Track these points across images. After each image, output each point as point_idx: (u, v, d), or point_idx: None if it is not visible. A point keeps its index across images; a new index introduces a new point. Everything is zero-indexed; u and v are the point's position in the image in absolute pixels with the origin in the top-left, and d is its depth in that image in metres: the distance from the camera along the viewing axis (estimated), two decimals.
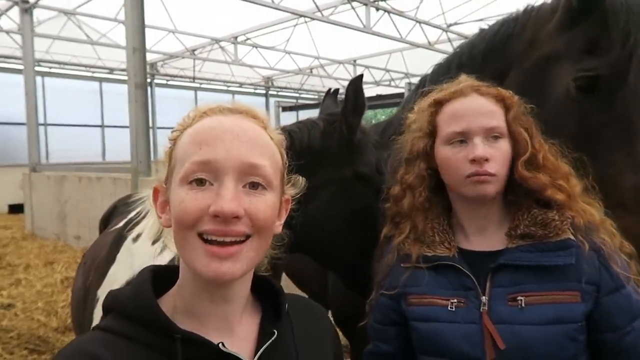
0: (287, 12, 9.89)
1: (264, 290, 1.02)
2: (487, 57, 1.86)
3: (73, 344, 0.86)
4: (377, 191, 1.56)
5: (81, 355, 0.80)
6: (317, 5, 9.86)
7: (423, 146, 1.37)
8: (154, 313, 0.85)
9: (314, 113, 2.47)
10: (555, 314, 1.18)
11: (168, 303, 0.91)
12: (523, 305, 1.20)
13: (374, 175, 1.73)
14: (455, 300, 1.26)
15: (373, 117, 18.29)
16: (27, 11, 9.86)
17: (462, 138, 1.29)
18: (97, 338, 0.85)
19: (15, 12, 10.40)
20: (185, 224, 0.82)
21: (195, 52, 15.70)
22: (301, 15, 10.86)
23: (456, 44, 13.87)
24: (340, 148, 1.71)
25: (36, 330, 4.58)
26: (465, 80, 1.39)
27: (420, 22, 12.00)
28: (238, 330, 0.93)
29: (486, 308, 1.23)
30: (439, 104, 1.37)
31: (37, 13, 10.64)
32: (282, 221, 0.97)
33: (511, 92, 1.37)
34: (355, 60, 17.50)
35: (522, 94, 1.38)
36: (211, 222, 0.81)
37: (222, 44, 14.81)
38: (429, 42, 13.02)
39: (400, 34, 12.05)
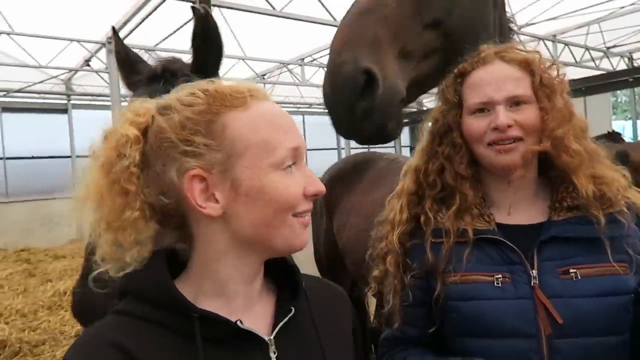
0: (293, 19, 9.84)
1: (278, 269, 1.03)
2: None
3: (90, 332, 0.87)
4: None
5: (102, 343, 0.81)
6: (329, 12, 9.75)
7: (452, 118, 1.34)
8: (171, 294, 0.86)
9: None
10: (610, 285, 1.14)
11: (189, 285, 0.92)
12: (577, 277, 1.16)
13: None
14: (500, 276, 1.21)
15: None
16: (112, 51, 10.73)
17: (485, 107, 1.25)
18: (115, 323, 0.86)
19: (102, 53, 11.36)
20: (290, 207, 0.90)
21: (265, 77, 16.23)
22: (311, 22, 10.78)
23: (529, 46, 13.28)
24: None
25: None
26: (488, 48, 1.34)
27: None
28: (256, 308, 0.95)
29: (537, 282, 1.18)
30: (462, 74, 1.34)
31: None
32: None
33: (540, 56, 1.30)
34: None
35: None
36: (305, 202, 0.93)
37: (290, 66, 15.18)
38: None
39: None
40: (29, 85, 12.77)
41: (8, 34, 10.35)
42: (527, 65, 1.28)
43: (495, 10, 1.82)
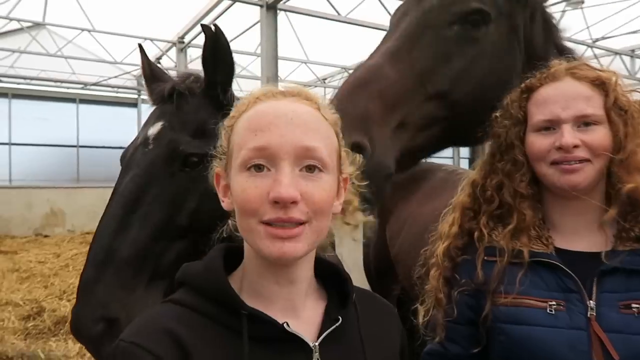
0: (358, 25, 9.75)
1: (330, 278, 1.01)
2: None
3: (145, 317, 0.91)
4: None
5: (156, 329, 0.85)
6: None
7: (516, 133, 1.28)
8: (224, 289, 0.88)
9: None
10: None
11: (236, 282, 0.93)
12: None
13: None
14: (554, 303, 1.14)
15: None
16: (182, 50, 11.21)
17: (550, 125, 1.18)
18: (170, 311, 0.90)
19: (173, 52, 11.89)
20: (248, 212, 0.85)
21: (326, 81, 16.36)
22: (375, 28, 10.67)
23: (603, 60, 12.57)
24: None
25: None
26: (558, 63, 1.27)
27: None
28: (302, 314, 0.94)
29: (594, 314, 1.11)
30: (529, 90, 1.28)
31: (190, 51, 12.03)
32: (341, 200, 0.95)
33: (615, 74, 1.22)
34: None
35: None
36: (271, 209, 0.83)
37: (351, 71, 15.23)
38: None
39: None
40: (104, 80, 13.58)
41: (89, 31, 11.06)
42: (600, 84, 1.21)
43: (521, 54, 1.70)
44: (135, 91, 15.28)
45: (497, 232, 1.28)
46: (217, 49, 1.66)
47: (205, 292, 0.90)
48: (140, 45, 2.02)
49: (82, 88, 14.40)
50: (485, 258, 1.27)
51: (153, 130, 1.71)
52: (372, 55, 1.61)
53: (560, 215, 1.26)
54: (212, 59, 1.67)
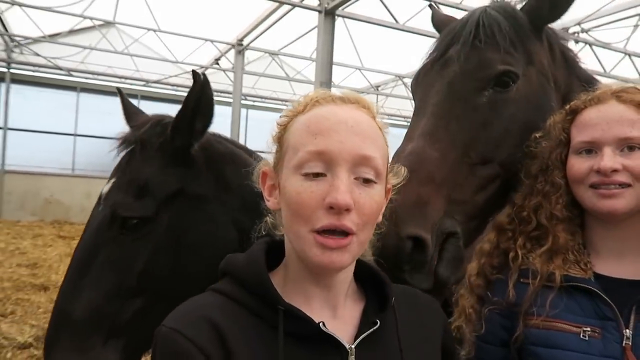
0: (415, 33, 9.53)
1: (370, 280, 1.01)
2: None
3: (187, 304, 0.92)
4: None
5: (197, 316, 0.87)
6: None
7: (557, 155, 1.26)
8: (263, 283, 0.89)
9: None
10: None
11: (279, 278, 0.94)
12: None
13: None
14: (589, 329, 1.10)
15: None
16: (240, 52, 11.50)
17: (592, 148, 1.15)
18: (210, 299, 0.92)
19: (231, 54, 12.22)
20: (301, 217, 0.85)
21: (379, 88, 16.31)
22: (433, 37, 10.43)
23: None
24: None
25: None
26: (606, 86, 1.24)
27: (630, 55, 10.60)
28: (341, 314, 0.94)
29: (630, 343, 1.07)
30: (574, 112, 1.26)
31: (248, 54, 12.33)
32: (383, 210, 0.95)
33: None
34: None
35: None
36: (325, 216, 0.83)
37: (405, 80, 15.11)
38: None
39: (603, 68, 10.80)
40: (165, 78, 14.14)
41: (155, 30, 11.56)
42: None
43: (554, 92, 1.65)
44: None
45: (533, 254, 1.26)
46: (201, 97, 1.61)
47: (246, 284, 0.92)
48: (118, 89, 1.99)
49: (144, 85, 15.05)
50: (521, 280, 1.25)
51: (106, 188, 1.67)
52: (409, 137, 1.56)
53: (601, 239, 1.23)
54: (195, 105, 1.61)
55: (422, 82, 1.72)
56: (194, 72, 1.62)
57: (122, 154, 1.72)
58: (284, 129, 0.97)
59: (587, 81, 1.75)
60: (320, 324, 0.88)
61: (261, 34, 10.52)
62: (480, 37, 1.59)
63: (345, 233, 0.84)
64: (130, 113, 1.89)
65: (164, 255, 1.59)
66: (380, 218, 0.94)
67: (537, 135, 1.37)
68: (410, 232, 1.34)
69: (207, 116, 1.66)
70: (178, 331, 0.84)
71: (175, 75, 14.09)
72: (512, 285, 1.24)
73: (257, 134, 18.12)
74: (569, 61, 1.79)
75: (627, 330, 1.10)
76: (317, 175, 0.85)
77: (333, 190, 0.83)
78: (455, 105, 1.55)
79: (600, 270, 1.20)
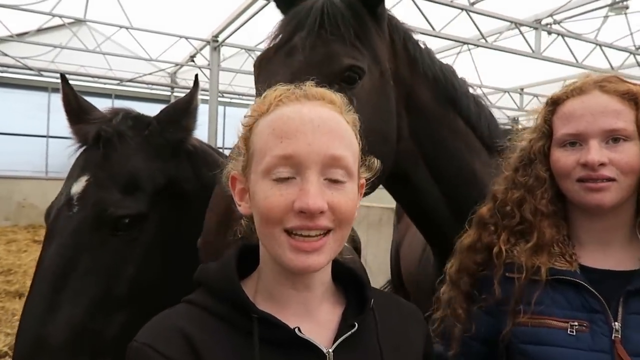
0: (451, 39, 9.75)
1: (349, 282, 0.99)
2: None
3: (160, 317, 0.90)
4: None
5: (170, 329, 0.85)
6: (481, 32, 9.54)
7: (539, 147, 1.23)
8: (235, 291, 0.87)
9: None
10: None
11: (252, 284, 0.92)
12: None
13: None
14: (577, 324, 1.09)
15: None
16: (216, 49, 11.34)
17: (576, 140, 1.13)
18: (184, 311, 0.90)
19: (206, 50, 12.05)
20: (271, 221, 0.83)
21: None
22: (464, 43, 10.62)
23: None
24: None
25: None
26: (588, 75, 1.21)
27: (601, 45, 10.80)
28: (318, 317, 0.92)
29: (619, 336, 1.06)
30: (555, 103, 1.23)
31: (224, 50, 12.17)
32: (357, 206, 0.92)
33: None
34: (522, 89, 16.43)
35: None
36: (296, 218, 0.81)
37: None
38: (612, 67, 11.62)
39: (576, 59, 10.98)
40: (140, 76, 13.87)
41: (127, 28, 11.31)
42: (631, 98, 1.15)
43: (394, 92, 1.59)
44: (169, 88, 15.57)
45: (518, 248, 1.23)
46: (194, 99, 1.64)
47: (218, 293, 0.90)
48: (62, 75, 1.75)
49: (117, 84, 14.74)
50: (507, 274, 1.22)
51: (77, 187, 1.47)
52: None
53: (586, 231, 1.21)
54: (187, 106, 1.64)
55: (265, 68, 1.59)
56: (196, 76, 1.69)
57: (85, 150, 1.57)
58: (249, 130, 0.93)
59: (435, 77, 1.73)
60: (296, 329, 0.85)
61: (237, 29, 10.40)
62: (325, 27, 1.49)
63: (319, 234, 0.83)
64: (76, 106, 1.69)
65: (155, 257, 1.48)
66: (356, 214, 0.92)
67: (518, 127, 1.35)
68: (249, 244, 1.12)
69: (195, 115, 1.66)
70: (150, 346, 0.82)
71: (150, 74, 13.82)
72: (498, 281, 1.22)
73: (235, 132, 17.91)
74: (412, 56, 1.72)
75: (616, 323, 1.08)
76: (285, 179, 0.83)
77: (303, 195, 0.81)
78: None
79: (585, 262, 1.18)
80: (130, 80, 14.23)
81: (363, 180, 0.97)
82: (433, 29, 8.72)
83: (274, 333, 0.86)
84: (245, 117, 0.96)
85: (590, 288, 1.12)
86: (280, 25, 1.64)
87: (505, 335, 1.19)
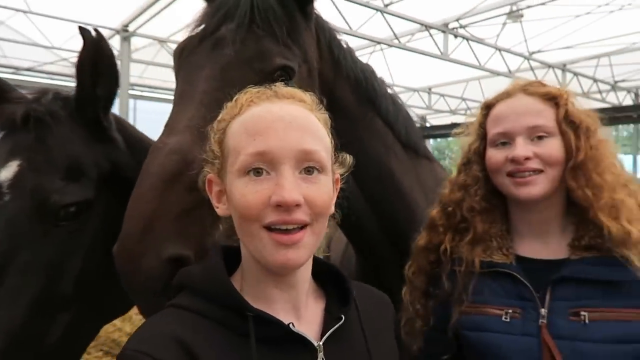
0: (365, 39, 10.04)
1: (327, 277, 1.03)
2: None
3: (149, 325, 0.88)
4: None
5: (162, 334, 0.83)
6: (394, 33, 9.93)
7: (475, 149, 1.36)
8: (228, 291, 0.88)
9: None
10: (623, 332, 1.10)
11: (236, 284, 0.93)
12: (586, 321, 1.13)
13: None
14: (511, 311, 1.20)
15: (446, 147, 17.84)
16: (126, 39, 10.78)
17: (506, 139, 1.26)
18: (172, 316, 0.88)
19: (116, 40, 11.41)
20: (249, 218, 0.85)
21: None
22: (378, 43, 10.98)
23: (538, 72, 13.22)
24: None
25: (112, 333, 4.83)
26: (515, 82, 1.36)
27: (500, 50, 11.68)
28: (304, 314, 0.95)
29: (545, 321, 1.17)
30: (488, 107, 1.36)
31: (134, 41, 11.58)
32: (334, 201, 0.96)
33: (566, 90, 1.30)
34: (430, 88, 17.29)
35: None
36: (273, 212, 0.83)
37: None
38: (509, 70, 12.62)
39: (479, 62, 11.79)
40: (39, 65, 12.81)
41: (24, 12, 10.39)
42: (551, 98, 1.28)
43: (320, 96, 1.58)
44: (74, 79, 14.53)
45: (462, 243, 1.34)
46: (98, 58, 1.40)
47: (208, 294, 0.89)
48: None
49: (13, 73, 13.50)
50: (454, 269, 1.33)
51: (6, 173, 1.29)
52: (173, 128, 1.34)
53: (523, 223, 1.32)
54: (92, 69, 1.40)
55: (187, 60, 1.50)
56: (80, 29, 1.38)
57: (8, 132, 1.38)
58: (222, 133, 0.94)
59: (356, 78, 1.73)
60: (290, 325, 0.88)
61: (149, 19, 9.95)
62: (257, 21, 1.44)
63: (297, 228, 0.84)
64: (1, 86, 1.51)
65: (100, 250, 1.30)
66: (332, 209, 0.95)
67: (459, 132, 1.45)
68: (173, 252, 1.11)
69: (110, 79, 1.44)
70: (145, 353, 0.79)
71: (51, 63, 12.80)
72: (446, 276, 1.32)
73: (147, 126, 17.00)
74: (336, 57, 1.72)
75: (543, 310, 1.18)
76: (258, 173, 0.85)
77: (279, 189, 0.83)
78: (231, 97, 1.45)
79: (524, 252, 1.29)
80: (27, 69, 13.10)
81: (338, 176, 1.00)
82: (350, 28, 8.94)
83: (268, 330, 0.87)
84: (217, 121, 0.97)
85: (521, 278, 1.22)
86: (205, 14, 1.55)
87: (453, 323, 1.28)
